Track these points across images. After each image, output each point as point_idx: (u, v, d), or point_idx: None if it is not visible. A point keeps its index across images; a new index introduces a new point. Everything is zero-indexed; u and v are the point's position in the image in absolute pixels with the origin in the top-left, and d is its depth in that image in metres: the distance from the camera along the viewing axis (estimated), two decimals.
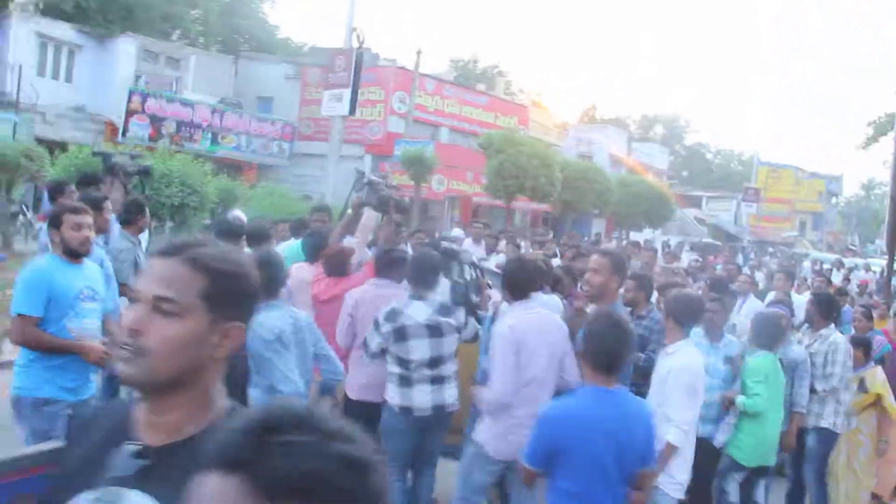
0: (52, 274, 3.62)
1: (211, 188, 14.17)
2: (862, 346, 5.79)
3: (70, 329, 3.62)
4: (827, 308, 5.68)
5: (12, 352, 4.28)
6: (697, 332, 4.71)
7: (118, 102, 20.92)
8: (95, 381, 3.95)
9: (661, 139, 57.48)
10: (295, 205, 16.90)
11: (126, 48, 22.82)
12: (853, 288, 13.38)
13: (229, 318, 1.32)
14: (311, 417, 0.81)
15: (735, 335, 5.55)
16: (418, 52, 24.30)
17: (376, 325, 4.26)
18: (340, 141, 18.76)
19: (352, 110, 17.18)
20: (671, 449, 3.85)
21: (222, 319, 1.31)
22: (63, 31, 22.00)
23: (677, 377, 3.91)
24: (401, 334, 4.22)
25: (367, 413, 4.37)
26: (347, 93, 16.84)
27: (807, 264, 17.58)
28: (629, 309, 4.80)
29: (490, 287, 5.98)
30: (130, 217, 5.53)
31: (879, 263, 21.06)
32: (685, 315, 4.17)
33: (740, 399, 4.73)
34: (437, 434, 4.40)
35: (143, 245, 5.80)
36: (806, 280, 12.94)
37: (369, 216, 5.60)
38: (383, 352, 4.30)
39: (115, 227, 5.53)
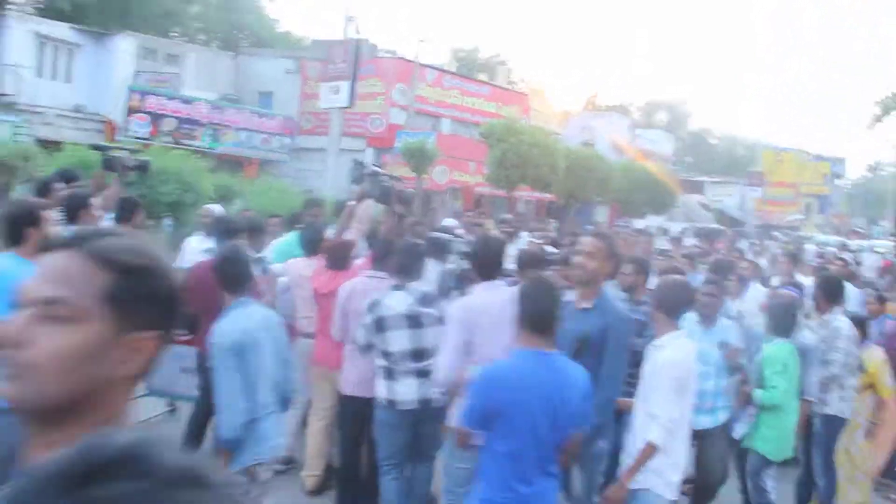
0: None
1: (207, 184, 14.09)
2: (860, 325, 5.69)
3: None
4: (832, 291, 5.58)
5: None
6: (691, 316, 4.56)
7: (117, 101, 20.88)
8: None
9: (665, 125, 57.14)
10: (295, 199, 16.81)
11: (125, 46, 22.74)
12: (864, 271, 13.20)
13: (140, 326, 1.05)
14: (137, 459, 0.60)
15: (741, 323, 5.45)
16: (420, 41, 24.20)
17: (363, 317, 4.20)
18: (340, 134, 18.67)
19: (350, 102, 17.09)
20: (652, 449, 3.56)
21: (130, 327, 1.04)
22: (61, 30, 21.92)
23: (665, 372, 3.65)
24: (380, 325, 4.15)
25: (362, 409, 4.32)
26: (346, 84, 16.79)
27: (810, 247, 17.40)
28: (627, 294, 4.74)
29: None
30: (125, 214, 5.48)
31: (885, 245, 20.92)
32: (673, 304, 3.84)
33: (758, 393, 4.62)
34: (429, 427, 4.28)
35: None
36: (812, 262, 12.81)
37: (366, 206, 5.55)
38: (372, 345, 4.23)
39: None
